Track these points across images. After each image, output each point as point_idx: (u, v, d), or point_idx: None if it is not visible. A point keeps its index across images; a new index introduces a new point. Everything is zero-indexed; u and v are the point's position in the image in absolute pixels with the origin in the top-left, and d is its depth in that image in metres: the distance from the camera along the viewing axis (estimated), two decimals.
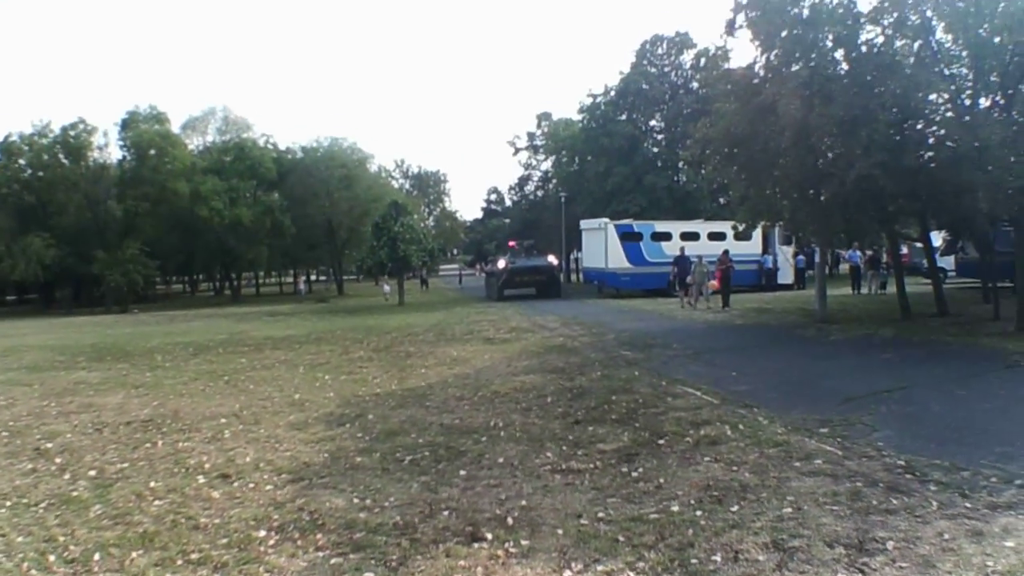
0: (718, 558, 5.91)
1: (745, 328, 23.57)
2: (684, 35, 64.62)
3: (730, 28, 22.02)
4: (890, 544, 5.98)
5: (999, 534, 6.04)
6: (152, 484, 8.51)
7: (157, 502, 7.88)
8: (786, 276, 42.40)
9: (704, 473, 8.16)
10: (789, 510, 6.85)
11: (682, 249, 35.21)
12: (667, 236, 41.98)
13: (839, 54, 20.42)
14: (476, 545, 6.42)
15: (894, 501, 6.93)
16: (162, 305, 63.76)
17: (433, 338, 23.68)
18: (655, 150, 64.94)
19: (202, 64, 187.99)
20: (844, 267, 42.83)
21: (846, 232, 24.83)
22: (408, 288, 50.03)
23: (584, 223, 47.74)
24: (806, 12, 19.97)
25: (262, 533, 6.86)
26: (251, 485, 8.42)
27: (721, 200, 58.79)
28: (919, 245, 30.62)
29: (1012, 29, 16.51)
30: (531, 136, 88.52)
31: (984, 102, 18.95)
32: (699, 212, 53.68)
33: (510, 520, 6.98)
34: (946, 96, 19.10)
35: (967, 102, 18.81)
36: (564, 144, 75.50)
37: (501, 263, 45.51)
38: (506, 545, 6.38)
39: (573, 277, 71.33)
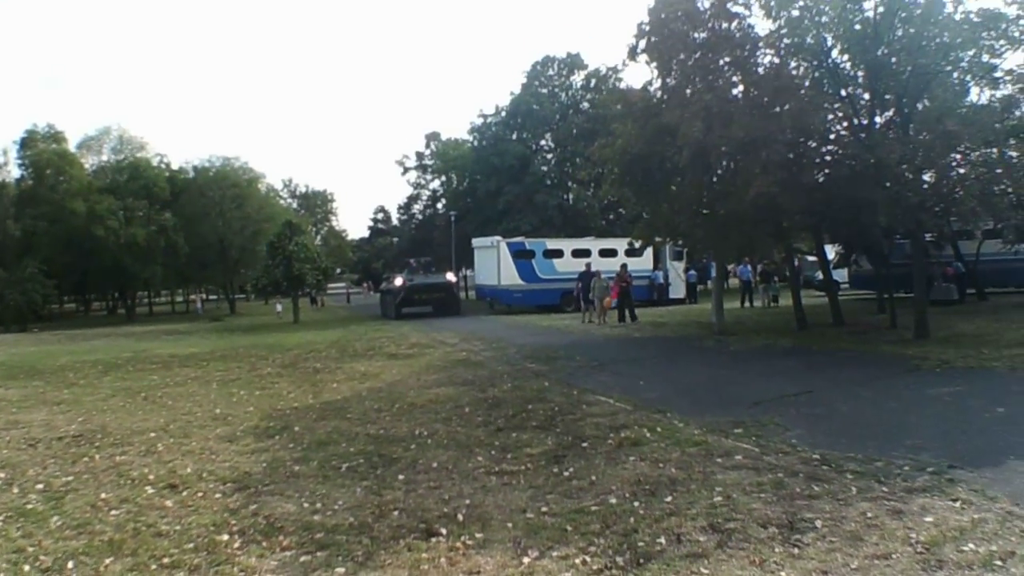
0: (663, 540, 6.32)
1: (645, 341, 23.99)
2: (575, 56, 65.92)
3: (632, 53, 22.55)
4: (818, 523, 6.47)
5: (918, 512, 6.58)
6: (103, 495, 8.56)
7: (113, 512, 7.95)
8: (678, 291, 43.34)
9: (632, 470, 8.57)
10: (720, 499, 7.31)
11: (588, 265, 35.64)
12: (559, 253, 42.60)
13: (736, 77, 21.08)
14: (433, 540, 6.70)
15: (816, 488, 7.44)
16: (59, 324, 62.38)
17: (336, 354, 23.72)
18: (545, 169, 65.89)
19: (95, 83, 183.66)
20: (734, 281, 43.88)
21: (743, 248, 25.58)
22: (299, 307, 49.70)
23: (476, 241, 48.15)
24: (704, 36, 20.70)
25: (225, 537, 7.01)
26: (199, 494, 8.52)
27: (611, 216, 59.99)
28: (810, 259, 31.80)
29: (910, 51, 17.38)
30: (420, 156, 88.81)
31: (879, 120, 19.76)
32: (590, 230, 54.65)
33: (460, 517, 7.27)
34: (842, 115, 19.90)
35: (864, 121, 19.56)
36: (454, 164, 76.09)
37: (398, 280, 43.51)
38: (462, 538, 6.68)
39: (464, 295, 71.77)
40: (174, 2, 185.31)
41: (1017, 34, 16.81)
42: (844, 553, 5.81)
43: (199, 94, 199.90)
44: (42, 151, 61.44)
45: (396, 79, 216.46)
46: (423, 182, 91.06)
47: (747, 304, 36.95)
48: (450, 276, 46.42)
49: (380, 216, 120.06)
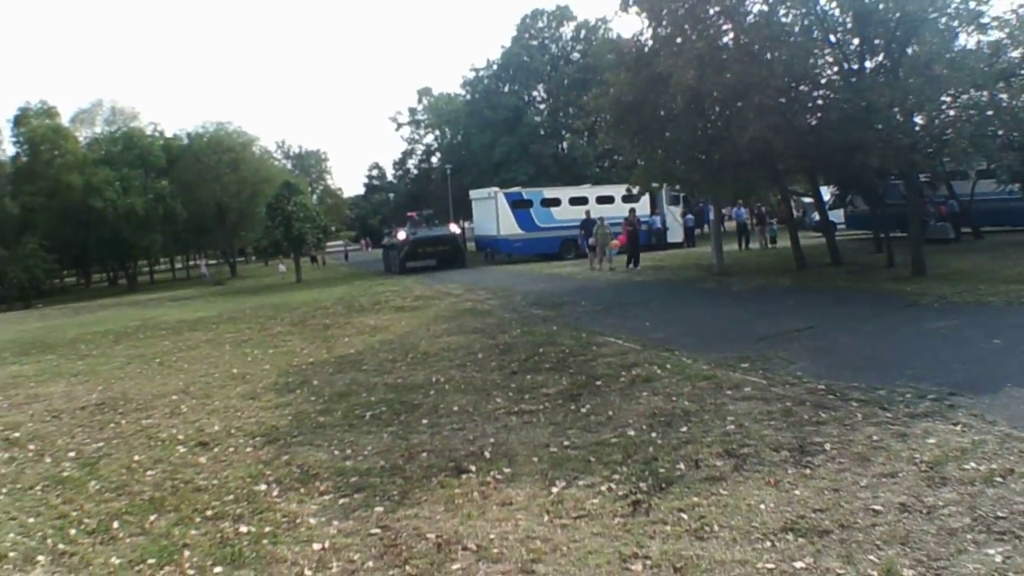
0: (682, 466, 6.73)
1: (647, 284, 24.16)
2: (564, 8, 65.79)
3: (625, 4, 22.66)
4: (827, 446, 6.88)
5: (920, 435, 6.95)
6: (136, 458, 8.75)
7: (149, 472, 8.15)
8: (675, 235, 43.38)
9: (647, 404, 8.96)
10: (732, 427, 7.71)
11: (587, 212, 35.72)
12: (556, 202, 42.73)
13: (727, 26, 21.14)
14: (464, 476, 7.09)
15: (823, 415, 7.83)
16: (62, 298, 61.76)
17: (343, 310, 23.91)
18: (539, 120, 65.88)
19: (84, 55, 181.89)
20: (730, 224, 44.01)
21: (739, 191, 25.80)
22: (301, 266, 49.67)
23: (474, 193, 48.23)
24: None
25: (263, 487, 7.31)
26: (230, 450, 8.78)
27: (606, 164, 60.12)
28: (807, 200, 32.01)
29: None
30: (412, 111, 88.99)
31: (869, 65, 19.86)
32: (586, 177, 54.79)
33: (487, 454, 7.67)
34: (831, 60, 20.10)
35: (854, 66, 19.70)
36: (448, 118, 76.20)
37: (401, 235, 42.24)
38: (492, 473, 7.07)
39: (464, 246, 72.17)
40: None
41: None
42: (853, 473, 6.19)
43: (188, 60, 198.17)
44: (36, 127, 61.30)
45: (385, 35, 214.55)
46: (417, 137, 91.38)
47: (745, 246, 37.03)
48: (454, 228, 45.07)
49: (375, 173, 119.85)
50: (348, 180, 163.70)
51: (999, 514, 5.18)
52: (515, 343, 14.41)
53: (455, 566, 5.26)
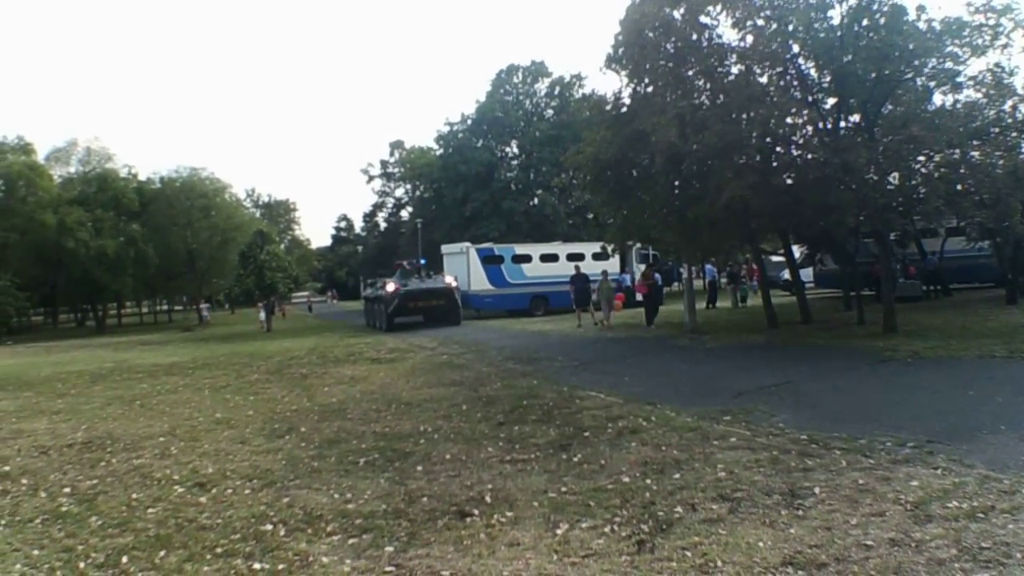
0: (680, 510, 7.02)
1: (620, 341, 24.43)
2: (539, 64, 66.82)
3: (609, 61, 23.27)
4: (817, 490, 7.23)
5: (904, 479, 7.33)
6: (134, 495, 8.80)
7: (150, 510, 8.20)
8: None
9: (637, 453, 9.26)
10: (723, 474, 8.03)
11: (577, 268, 35.85)
12: (527, 258, 42.96)
13: (707, 86, 21.74)
14: (468, 520, 7.28)
15: (809, 462, 8.19)
16: (32, 337, 61.56)
17: (319, 360, 24.08)
18: (511, 175, 66.52)
19: (60, 95, 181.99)
20: (697, 282, 44.32)
21: (711, 249, 26.17)
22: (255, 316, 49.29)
23: (445, 247, 48.45)
24: (676, 46, 21.42)
25: (269, 527, 7.39)
26: (229, 491, 8.84)
27: (576, 221, 60.77)
28: (774, 259, 32.49)
29: (875, 59, 18.04)
30: (384, 164, 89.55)
31: (845, 124, 20.45)
32: (556, 234, 55.32)
33: (487, 499, 7.87)
34: (808, 120, 20.52)
35: (830, 126, 20.27)
36: (420, 172, 76.78)
37: (390, 286, 37.31)
38: (495, 517, 7.27)
39: None
40: (135, 12, 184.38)
41: (980, 42, 17.50)
42: (843, 513, 6.54)
43: (163, 104, 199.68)
44: (12, 163, 61.27)
45: (359, 88, 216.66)
46: (388, 190, 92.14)
47: (713, 305, 37.36)
48: (449, 280, 39.71)
49: (343, 224, 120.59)
50: (315, 231, 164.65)
51: (983, 545, 5.56)
52: (497, 396, 14.63)
53: None
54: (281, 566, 6.37)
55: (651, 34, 21.64)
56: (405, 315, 38.04)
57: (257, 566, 6.39)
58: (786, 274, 36.96)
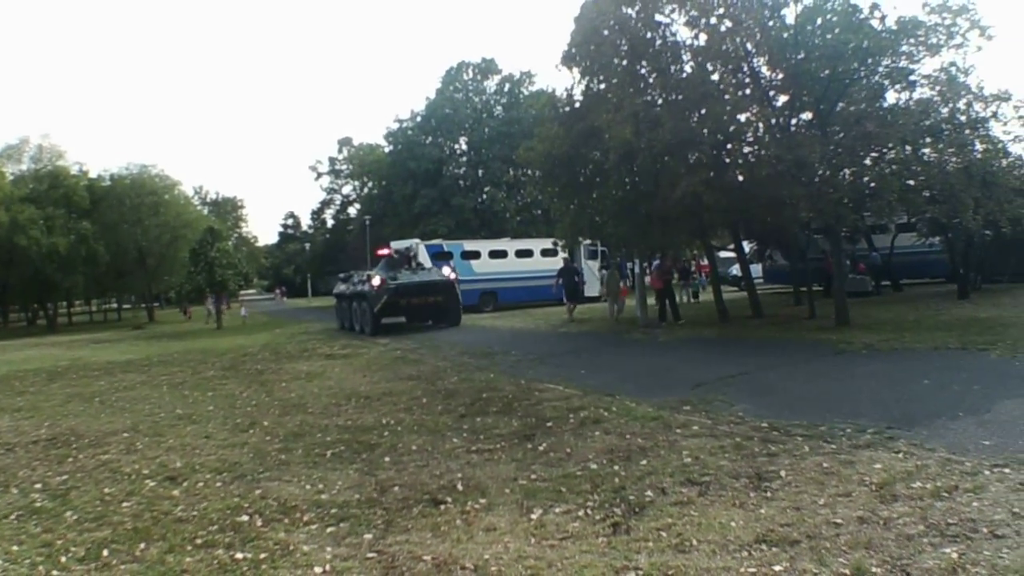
0: (650, 493, 7.18)
1: (573, 336, 24.59)
2: (490, 61, 67.08)
3: (566, 59, 23.42)
4: (783, 473, 7.43)
5: (867, 462, 7.53)
6: (107, 490, 8.79)
7: (124, 504, 8.18)
8: (592, 289, 43.98)
9: (602, 442, 9.40)
10: (689, 459, 8.20)
11: (566, 260, 35.22)
12: (476, 255, 42.83)
13: (661, 83, 21.81)
14: (442, 507, 7.37)
15: (772, 448, 8.39)
16: None
17: (272, 357, 24.03)
18: (460, 172, 66.60)
19: (7, 92, 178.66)
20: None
21: (663, 245, 26.29)
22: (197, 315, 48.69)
23: (394, 244, 48.41)
24: (629, 44, 21.59)
25: (245, 518, 7.42)
26: (200, 484, 8.86)
27: (524, 217, 61.00)
28: (723, 255, 32.79)
29: (829, 57, 18.29)
30: (332, 161, 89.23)
31: (795, 122, 20.69)
32: (505, 231, 55.51)
33: (459, 487, 7.97)
34: (761, 117, 20.65)
35: (782, 123, 20.48)
36: (369, 168, 76.55)
37: (376, 280, 30.50)
38: (469, 504, 7.37)
39: None
40: (80, 7, 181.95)
41: (934, 41, 17.77)
42: (810, 494, 6.72)
43: (110, 102, 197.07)
44: None
45: (308, 85, 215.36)
46: (336, 187, 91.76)
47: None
48: (447, 271, 33.11)
49: (290, 222, 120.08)
50: (263, 229, 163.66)
51: (949, 521, 5.77)
52: (456, 389, 14.74)
53: None
54: (263, 555, 6.41)
55: (606, 32, 21.81)
56: (394, 314, 31.29)
57: (240, 555, 6.42)
58: (735, 270, 37.50)
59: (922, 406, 9.96)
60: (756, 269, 35.22)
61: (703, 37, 20.90)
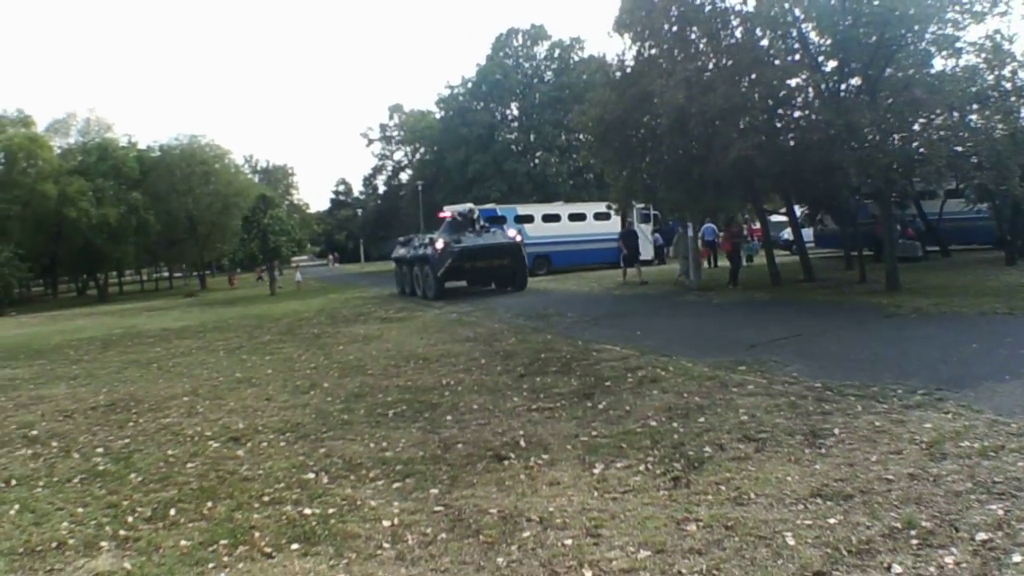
0: (709, 450, 7.49)
1: (627, 298, 24.77)
2: (539, 27, 66.95)
3: (618, 26, 23.57)
4: (836, 431, 7.69)
5: (917, 421, 7.79)
6: (170, 452, 8.99)
7: (189, 465, 8.41)
8: (646, 253, 44.16)
9: (660, 400, 9.70)
10: (745, 417, 8.49)
11: (629, 224, 35.34)
12: (529, 219, 42.88)
13: (711, 48, 22.04)
14: (506, 463, 7.68)
15: (825, 407, 8.65)
16: (35, 307, 61.12)
17: (328, 321, 24.35)
18: (512, 137, 66.76)
19: (57, 66, 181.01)
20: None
21: (715, 209, 26.35)
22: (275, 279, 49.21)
23: (447, 208, 48.57)
24: (680, 10, 21.72)
25: (311, 476, 7.68)
26: (264, 443, 9.10)
27: (577, 181, 61.03)
28: (774, 219, 32.77)
29: (876, 24, 18.21)
30: (384, 127, 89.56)
31: (844, 87, 20.63)
32: (558, 195, 55.60)
33: (522, 443, 8.28)
34: (811, 83, 20.77)
35: (832, 88, 20.45)
36: (421, 134, 76.86)
37: (440, 243, 29.09)
38: (531, 459, 7.69)
39: None
40: None
41: (979, 8, 17.62)
42: (863, 452, 6.99)
43: (161, 72, 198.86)
44: (13, 136, 60.72)
45: (357, 52, 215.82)
46: (387, 153, 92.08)
47: (714, 263, 37.29)
48: (512, 233, 31.39)
49: (341, 188, 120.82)
50: (313, 195, 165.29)
51: (996, 479, 6.01)
52: (514, 350, 15.01)
53: (525, 534, 5.81)
54: (331, 510, 6.63)
55: None
56: (459, 278, 30.84)
57: (308, 511, 6.63)
58: (786, 234, 37.40)
59: (970, 369, 10.12)
60: (807, 233, 35.14)
61: (751, 2, 21.09)
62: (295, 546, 5.92)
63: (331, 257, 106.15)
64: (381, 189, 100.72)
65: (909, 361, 11.01)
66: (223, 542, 6.09)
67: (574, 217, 43.05)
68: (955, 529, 5.22)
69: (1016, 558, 4.75)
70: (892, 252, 20.53)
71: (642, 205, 37.01)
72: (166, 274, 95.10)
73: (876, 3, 18.14)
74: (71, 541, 6.38)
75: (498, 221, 40.05)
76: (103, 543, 6.29)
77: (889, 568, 4.76)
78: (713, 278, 29.10)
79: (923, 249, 29.61)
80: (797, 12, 20.06)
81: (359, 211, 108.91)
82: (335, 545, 5.88)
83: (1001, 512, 5.41)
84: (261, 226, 44.98)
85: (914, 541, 5.09)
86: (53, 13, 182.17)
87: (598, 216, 41.17)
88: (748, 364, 11.62)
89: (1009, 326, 13.32)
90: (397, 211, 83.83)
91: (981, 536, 5.07)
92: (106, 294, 72.15)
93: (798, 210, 30.08)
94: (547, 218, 43.18)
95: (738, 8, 21.78)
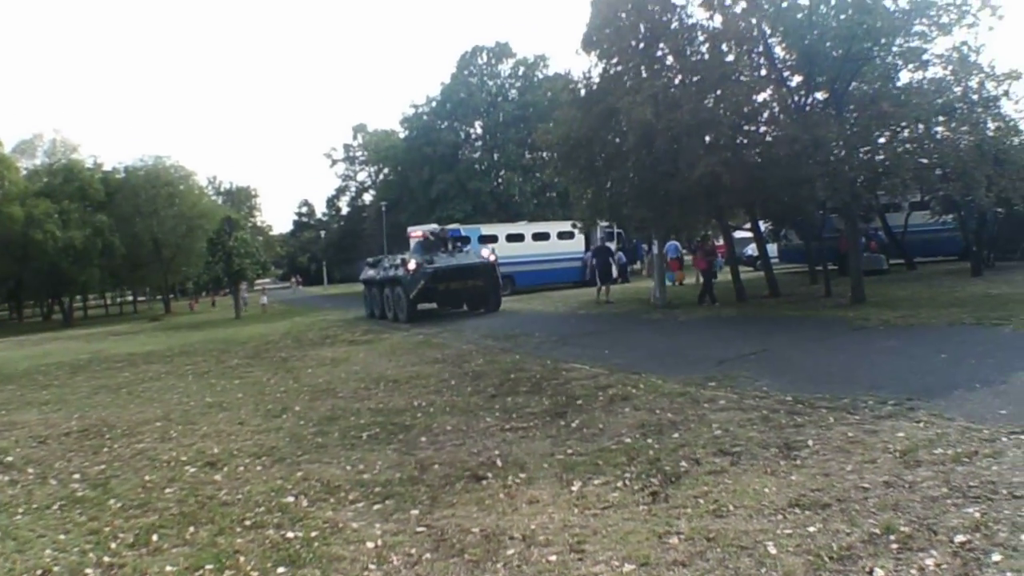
0: (685, 464, 7.52)
1: (593, 317, 24.80)
2: (504, 45, 66.98)
3: (586, 44, 23.73)
4: (810, 442, 7.77)
5: (889, 430, 7.88)
6: (147, 477, 8.92)
7: (167, 490, 8.34)
8: (615, 271, 44.24)
9: (633, 417, 9.74)
10: (719, 432, 8.54)
11: (601, 240, 35.25)
12: (494, 239, 42.48)
13: (678, 65, 22.23)
14: (484, 482, 7.68)
15: (798, 419, 8.73)
16: (0, 332, 59.89)
17: (295, 344, 24.22)
18: (476, 156, 66.79)
19: (20, 87, 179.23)
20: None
21: (680, 226, 26.45)
22: (220, 304, 48.74)
23: (412, 229, 48.52)
24: (647, 27, 21.88)
25: (291, 499, 7.63)
26: (240, 468, 9.05)
27: (540, 200, 61.14)
28: (738, 234, 32.97)
29: (843, 37, 18.47)
30: (348, 148, 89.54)
31: (810, 101, 20.95)
32: (522, 214, 55.63)
33: (498, 463, 8.26)
34: (776, 96, 21.04)
35: (798, 101, 20.75)
36: (385, 154, 76.64)
37: (412, 263, 27.99)
38: (509, 478, 7.68)
39: None
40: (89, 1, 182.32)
41: (946, 20, 17.93)
42: (838, 462, 7.06)
43: (125, 93, 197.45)
44: None
45: (321, 72, 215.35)
46: (351, 174, 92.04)
47: (681, 282, 37.42)
48: (486, 253, 30.80)
49: (304, 210, 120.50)
50: (276, 217, 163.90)
51: (971, 484, 6.11)
52: (483, 371, 14.97)
53: (509, 551, 5.80)
54: (314, 533, 6.61)
55: (624, 15, 22.15)
56: (433, 299, 29.67)
57: (291, 534, 6.61)
58: (750, 250, 37.67)
59: (940, 379, 10.24)
60: (771, 249, 35.37)
61: (718, 18, 21.25)
62: (281, 569, 5.91)
63: (294, 279, 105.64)
64: (344, 210, 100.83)
65: (879, 373, 11.13)
66: (209, 567, 6.07)
67: (538, 236, 42.97)
68: (934, 532, 5.30)
69: (996, 557, 4.83)
70: (857, 266, 20.75)
71: (606, 223, 37.04)
72: (130, 298, 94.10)
73: (843, 17, 18.40)
74: (56, 568, 6.34)
75: (462, 242, 39.91)
76: (88, 570, 6.26)
77: (871, 572, 4.83)
78: (677, 295, 29.16)
79: (887, 262, 29.92)
80: (764, 27, 20.30)
81: (322, 233, 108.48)
82: (321, 568, 5.86)
83: (978, 515, 5.49)
84: (226, 248, 44.69)
85: (894, 545, 5.16)
86: (19, 33, 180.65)
87: (561, 235, 41.16)
88: (718, 380, 11.68)
89: (977, 336, 13.48)
90: (360, 232, 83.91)
91: (960, 538, 5.15)
92: (71, 318, 71.01)
93: (763, 225, 30.27)
94: (511, 238, 42.85)
95: (705, 24, 22.10)
